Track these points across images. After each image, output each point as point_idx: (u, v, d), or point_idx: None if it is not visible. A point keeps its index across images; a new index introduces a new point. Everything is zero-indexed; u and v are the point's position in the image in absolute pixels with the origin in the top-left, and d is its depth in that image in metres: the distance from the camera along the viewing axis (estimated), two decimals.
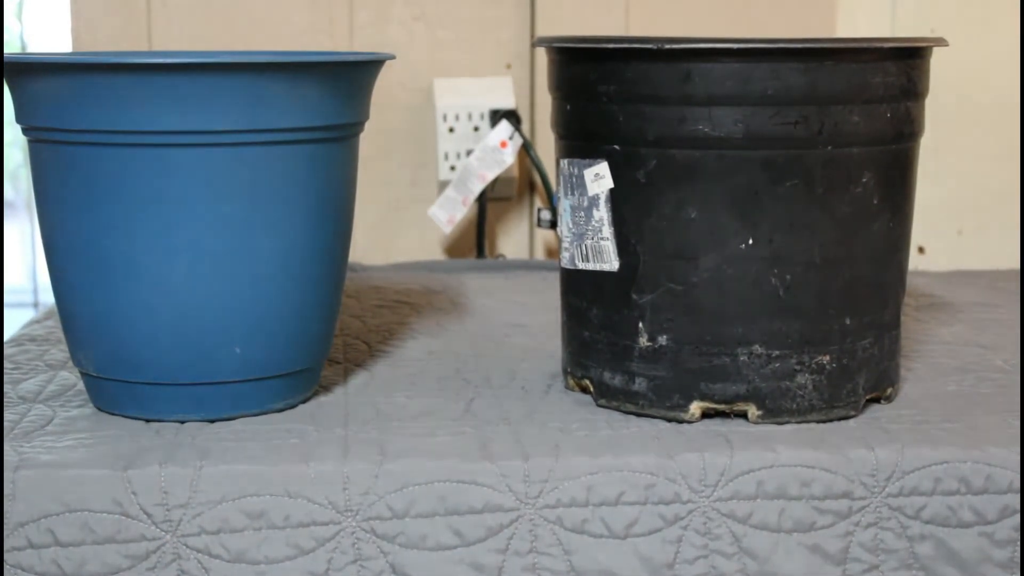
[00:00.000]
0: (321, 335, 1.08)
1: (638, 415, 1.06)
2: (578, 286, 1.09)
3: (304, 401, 1.09)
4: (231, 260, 1.00)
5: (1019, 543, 0.99)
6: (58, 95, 0.98)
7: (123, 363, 1.03)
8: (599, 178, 1.05)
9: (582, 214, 1.06)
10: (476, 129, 1.70)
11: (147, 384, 1.03)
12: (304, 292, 1.05)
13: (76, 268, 1.02)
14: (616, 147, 1.03)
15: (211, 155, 0.98)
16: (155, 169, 0.98)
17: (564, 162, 1.08)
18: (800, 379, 1.04)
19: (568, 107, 1.08)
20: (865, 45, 1.02)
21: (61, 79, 0.97)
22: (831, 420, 1.05)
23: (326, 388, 1.13)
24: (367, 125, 1.09)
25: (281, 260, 1.02)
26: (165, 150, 0.97)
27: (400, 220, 1.75)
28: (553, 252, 1.78)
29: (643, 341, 1.05)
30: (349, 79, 1.04)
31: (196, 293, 1.00)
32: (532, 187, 1.77)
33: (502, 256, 1.77)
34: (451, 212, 1.68)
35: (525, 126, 1.73)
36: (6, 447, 0.97)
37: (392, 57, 1.07)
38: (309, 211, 1.03)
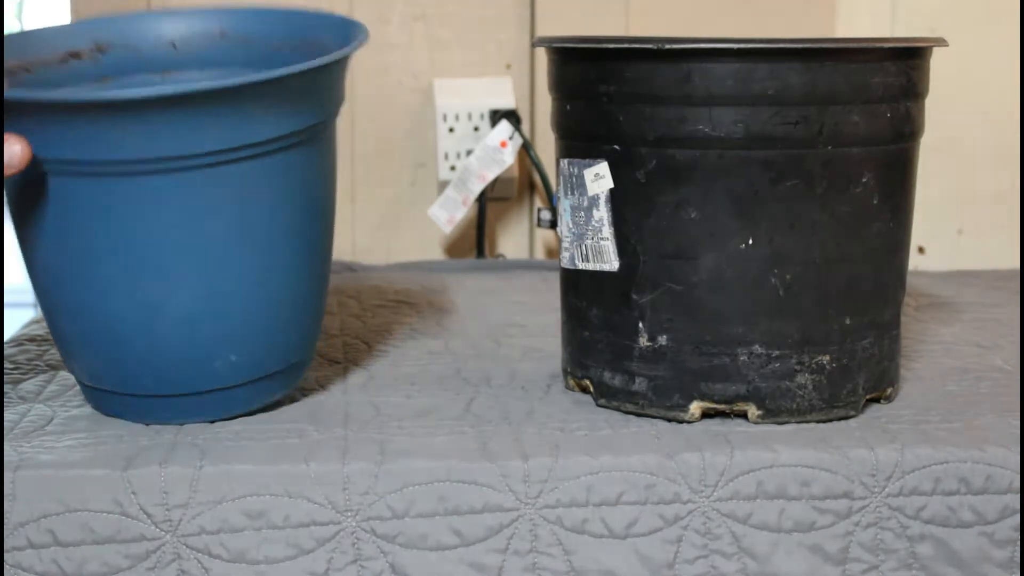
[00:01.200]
0: (312, 328, 1.08)
1: (638, 415, 1.06)
2: (578, 286, 1.09)
3: (299, 388, 1.09)
4: (218, 275, 0.99)
5: (1019, 543, 0.99)
6: (30, 130, 0.94)
7: (116, 378, 1.02)
8: (599, 178, 1.05)
9: (582, 214, 1.06)
10: (476, 129, 1.70)
11: (142, 397, 1.02)
12: (294, 292, 1.04)
13: (61, 291, 1.01)
14: (616, 147, 1.03)
15: (189, 178, 0.96)
16: (134, 196, 0.96)
17: (564, 162, 1.08)
18: (800, 379, 1.04)
19: (568, 107, 1.08)
20: (865, 45, 1.02)
21: (33, 116, 0.94)
22: (831, 420, 1.05)
23: (326, 388, 1.13)
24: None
25: (267, 267, 1.01)
26: (143, 178, 0.95)
27: (400, 220, 1.75)
28: (553, 252, 1.78)
29: (643, 341, 1.05)
30: (324, 79, 1.01)
31: (185, 311, 0.99)
32: (532, 187, 1.77)
33: (502, 256, 1.77)
34: (451, 212, 1.68)
35: (525, 126, 1.73)
36: (6, 447, 0.97)
37: (363, 43, 1.02)
38: (292, 214, 1.01)
